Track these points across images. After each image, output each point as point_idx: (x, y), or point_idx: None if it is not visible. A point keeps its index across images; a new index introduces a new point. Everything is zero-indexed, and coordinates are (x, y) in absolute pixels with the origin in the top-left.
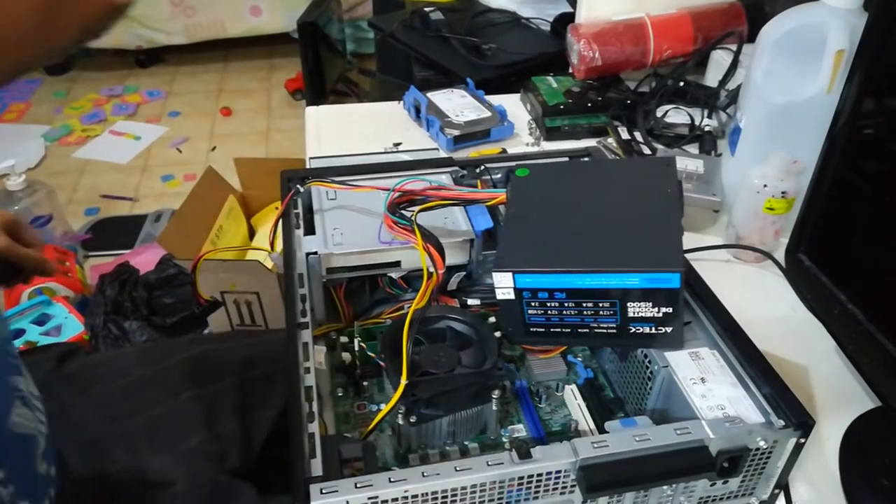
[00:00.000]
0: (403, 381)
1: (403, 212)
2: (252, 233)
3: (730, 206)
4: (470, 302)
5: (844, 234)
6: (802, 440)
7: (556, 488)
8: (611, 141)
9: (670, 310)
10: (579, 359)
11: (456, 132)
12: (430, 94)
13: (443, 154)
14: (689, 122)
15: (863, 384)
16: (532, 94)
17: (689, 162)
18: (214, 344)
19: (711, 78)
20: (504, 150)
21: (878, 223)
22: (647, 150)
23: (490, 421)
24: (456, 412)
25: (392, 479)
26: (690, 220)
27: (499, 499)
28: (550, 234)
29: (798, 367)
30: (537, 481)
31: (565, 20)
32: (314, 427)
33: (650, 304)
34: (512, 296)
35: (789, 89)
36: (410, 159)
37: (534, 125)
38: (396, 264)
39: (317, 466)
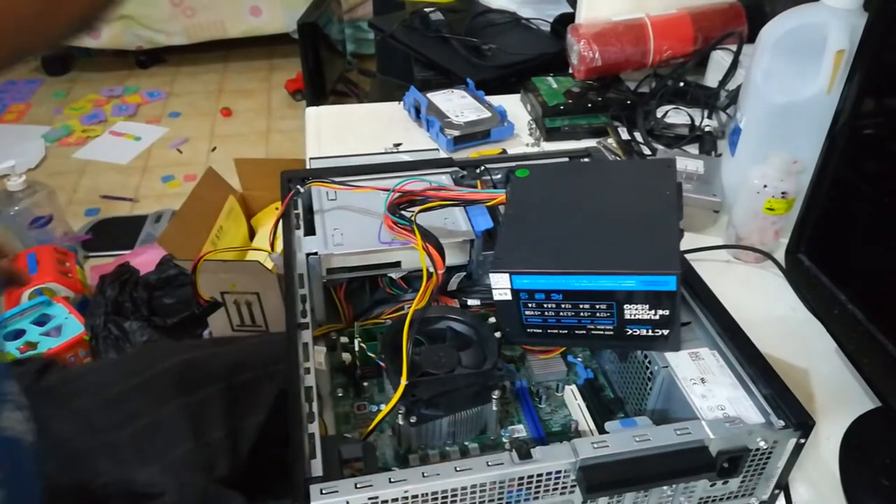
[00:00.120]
0: (403, 381)
1: (403, 212)
2: (252, 233)
3: (730, 206)
4: (470, 302)
5: (844, 235)
6: (802, 440)
7: (556, 488)
8: (611, 141)
9: (667, 312)
10: (579, 359)
11: (456, 133)
12: (430, 95)
13: (443, 154)
14: (689, 122)
15: (863, 384)
16: (532, 95)
17: (689, 162)
18: (198, 351)
19: (711, 78)
20: (504, 151)
21: (878, 223)
22: (647, 151)
23: (490, 421)
24: (456, 412)
25: (392, 480)
26: (690, 221)
27: (499, 499)
28: (548, 236)
29: (798, 368)
30: (537, 481)
31: (565, 20)
32: (314, 427)
33: (647, 306)
34: (509, 297)
35: (789, 89)
36: (410, 160)
37: (534, 126)
38: (396, 265)
39: (317, 467)
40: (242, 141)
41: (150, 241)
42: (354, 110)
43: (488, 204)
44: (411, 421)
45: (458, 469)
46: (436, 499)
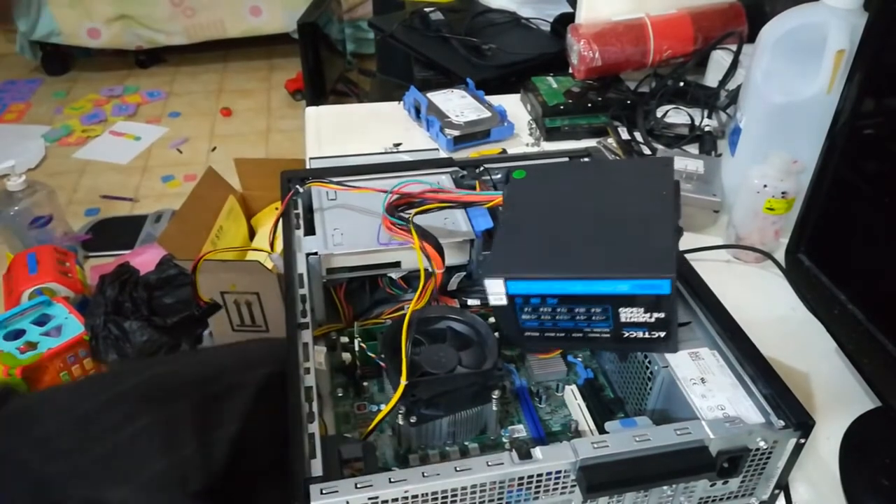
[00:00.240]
0: (403, 381)
1: (402, 213)
2: (252, 233)
3: (730, 206)
4: (470, 302)
5: (844, 234)
6: (802, 440)
7: (556, 488)
8: (611, 141)
9: (663, 315)
10: (579, 359)
11: (456, 132)
12: (430, 95)
13: (443, 154)
14: (689, 122)
15: (863, 384)
16: (532, 95)
17: (689, 162)
18: (165, 366)
19: (711, 78)
20: (504, 151)
21: (878, 223)
22: (647, 151)
23: (490, 421)
24: (456, 412)
25: (392, 480)
26: (690, 220)
27: (499, 499)
28: (543, 239)
29: (798, 368)
30: (537, 481)
31: (565, 20)
32: (314, 427)
33: (642, 309)
34: (504, 301)
35: (789, 89)
36: (410, 160)
37: (534, 125)
38: (396, 264)
39: (317, 467)
40: (242, 141)
41: (150, 240)
42: (354, 110)
43: (486, 206)
44: (411, 421)
45: (458, 469)
46: (436, 499)
